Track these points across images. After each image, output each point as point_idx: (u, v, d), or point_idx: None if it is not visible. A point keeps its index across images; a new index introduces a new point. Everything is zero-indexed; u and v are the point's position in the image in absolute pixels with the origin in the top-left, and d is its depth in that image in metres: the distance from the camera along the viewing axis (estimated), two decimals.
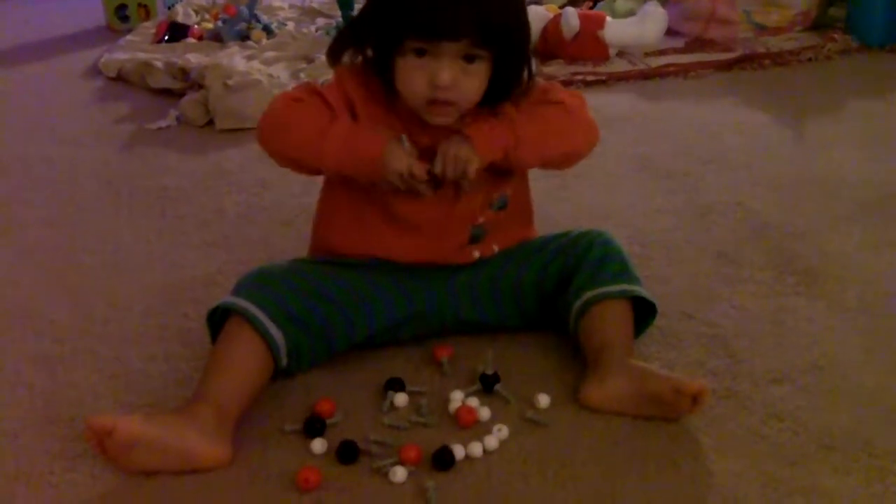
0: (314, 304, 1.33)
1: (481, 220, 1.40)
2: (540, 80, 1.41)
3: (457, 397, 1.29)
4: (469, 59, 1.25)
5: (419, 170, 1.27)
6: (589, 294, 1.35)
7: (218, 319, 1.31)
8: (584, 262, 1.38)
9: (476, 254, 1.41)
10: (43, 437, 1.26)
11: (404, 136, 1.29)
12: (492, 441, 1.20)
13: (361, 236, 1.39)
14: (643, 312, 1.39)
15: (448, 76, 1.24)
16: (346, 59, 1.35)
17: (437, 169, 1.27)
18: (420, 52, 1.25)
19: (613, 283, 1.36)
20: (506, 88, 1.32)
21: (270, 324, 1.27)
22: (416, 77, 1.26)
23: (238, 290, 1.32)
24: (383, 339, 1.40)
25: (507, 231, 1.44)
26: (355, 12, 2.96)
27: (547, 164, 1.43)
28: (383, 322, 1.38)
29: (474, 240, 1.41)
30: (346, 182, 1.35)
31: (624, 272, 1.38)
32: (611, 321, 1.34)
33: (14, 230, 1.92)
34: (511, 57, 1.29)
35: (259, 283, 1.32)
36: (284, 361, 1.30)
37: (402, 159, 1.26)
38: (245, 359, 1.26)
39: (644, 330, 1.41)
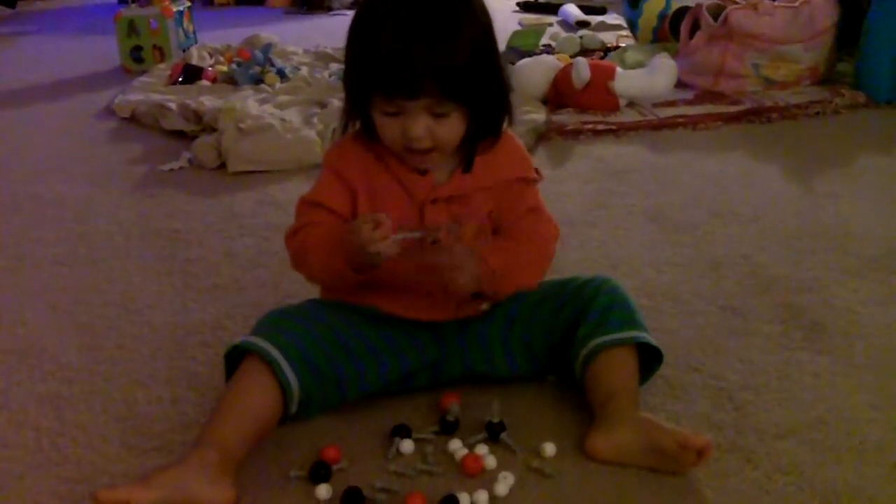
0: (332, 353, 1.33)
1: None
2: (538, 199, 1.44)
3: (461, 446, 1.29)
4: (438, 114, 1.27)
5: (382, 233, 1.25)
6: (595, 342, 1.34)
7: (236, 357, 1.31)
8: (590, 309, 1.38)
9: (484, 306, 1.41)
10: (49, 479, 1.26)
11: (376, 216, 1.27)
12: (497, 490, 1.20)
13: (371, 294, 1.40)
14: (649, 359, 1.39)
15: (418, 131, 1.27)
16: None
17: (440, 237, 1.30)
18: (390, 110, 1.28)
19: (620, 330, 1.36)
20: (489, 127, 1.36)
21: (288, 369, 1.28)
22: (390, 131, 1.30)
23: (259, 330, 1.32)
24: (394, 390, 1.41)
25: None
26: None
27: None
28: (395, 374, 1.39)
29: (478, 295, 1.41)
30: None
31: (630, 319, 1.38)
32: (617, 370, 1.34)
33: (25, 269, 1.94)
34: (485, 102, 1.32)
35: (281, 326, 1.32)
36: (295, 408, 1.30)
37: (360, 233, 1.24)
38: (257, 402, 1.26)
39: (649, 377, 1.41)
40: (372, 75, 1.25)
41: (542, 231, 1.42)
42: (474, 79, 1.27)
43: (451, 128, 1.29)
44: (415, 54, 1.21)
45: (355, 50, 1.30)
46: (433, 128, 1.28)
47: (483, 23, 1.30)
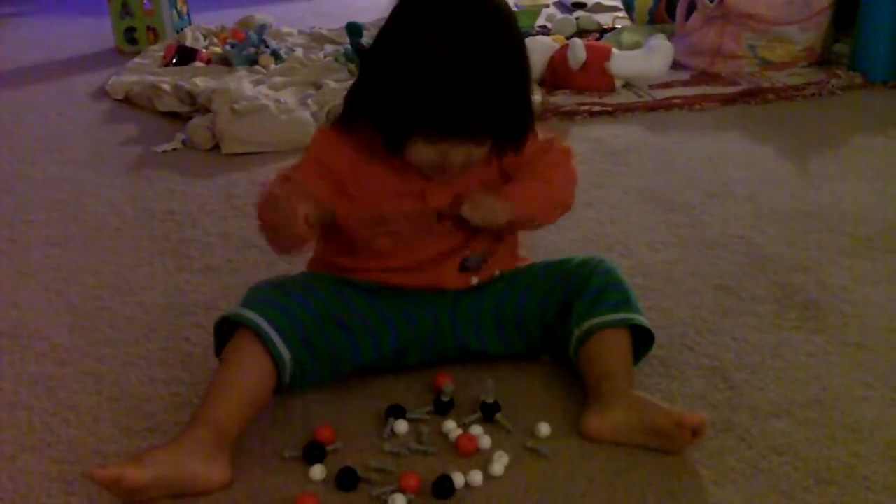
0: (324, 327, 1.33)
1: (478, 249, 1.41)
2: (541, 136, 1.42)
3: (456, 426, 1.29)
4: (476, 143, 1.27)
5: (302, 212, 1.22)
6: (590, 322, 1.35)
7: (227, 330, 1.30)
8: (584, 290, 1.38)
9: (475, 280, 1.41)
10: (41, 460, 1.26)
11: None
12: (492, 469, 1.20)
13: (361, 265, 1.39)
14: (644, 339, 1.39)
15: (461, 160, 1.27)
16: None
17: (466, 213, 1.30)
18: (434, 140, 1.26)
19: (614, 311, 1.36)
20: (510, 147, 1.34)
21: (281, 344, 1.27)
22: (426, 155, 1.27)
23: (249, 303, 1.31)
24: (387, 365, 1.41)
25: (504, 254, 1.45)
26: (364, 39, 2.99)
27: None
28: (388, 348, 1.38)
29: (470, 268, 1.41)
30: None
31: (625, 301, 1.38)
32: (611, 350, 1.34)
33: (17, 250, 1.93)
34: (517, 130, 1.31)
35: (272, 298, 1.31)
36: (288, 380, 1.30)
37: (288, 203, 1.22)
38: (250, 379, 1.26)
39: (642, 358, 1.41)
40: (423, 115, 1.22)
41: (550, 160, 1.41)
42: (516, 117, 1.28)
43: (483, 152, 1.29)
44: (471, 101, 1.20)
45: (400, 83, 1.23)
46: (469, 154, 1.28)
47: (525, 59, 1.29)
